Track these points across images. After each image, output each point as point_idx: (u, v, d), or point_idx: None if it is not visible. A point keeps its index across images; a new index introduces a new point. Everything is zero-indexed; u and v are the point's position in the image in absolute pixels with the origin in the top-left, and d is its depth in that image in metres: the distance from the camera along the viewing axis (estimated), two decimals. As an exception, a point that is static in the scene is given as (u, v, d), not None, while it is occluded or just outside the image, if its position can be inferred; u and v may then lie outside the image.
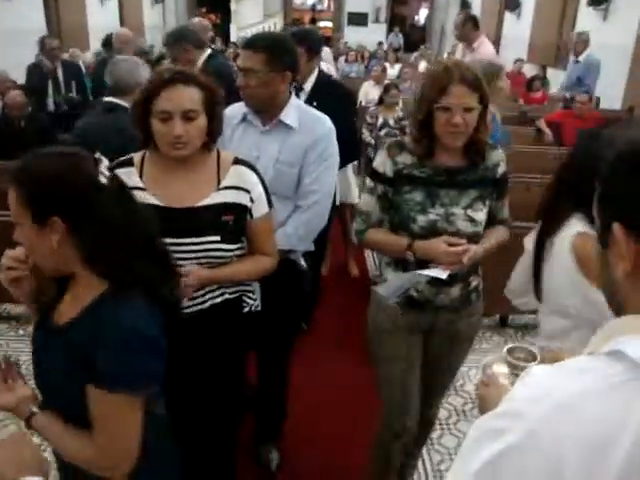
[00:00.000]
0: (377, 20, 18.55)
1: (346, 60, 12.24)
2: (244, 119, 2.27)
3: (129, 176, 1.72)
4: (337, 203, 3.89)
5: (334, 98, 3.14)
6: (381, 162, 1.94)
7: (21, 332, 3.66)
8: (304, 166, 2.23)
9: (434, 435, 2.81)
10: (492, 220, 2.02)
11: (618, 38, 8.17)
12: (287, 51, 2.20)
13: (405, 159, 1.90)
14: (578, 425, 0.68)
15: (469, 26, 5.04)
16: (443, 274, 1.81)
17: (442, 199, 1.90)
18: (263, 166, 2.15)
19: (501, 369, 1.22)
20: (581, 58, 6.61)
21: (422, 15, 20.97)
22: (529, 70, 10.38)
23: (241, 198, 1.82)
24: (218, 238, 1.78)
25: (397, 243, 1.93)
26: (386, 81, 6.86)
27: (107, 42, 6.30)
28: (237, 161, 1.85)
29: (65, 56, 7.71)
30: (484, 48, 5.01)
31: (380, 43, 15.15)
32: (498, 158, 1.96)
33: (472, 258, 1.83)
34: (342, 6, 18.65)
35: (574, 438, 0.68)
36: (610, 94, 8.03)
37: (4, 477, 1.02)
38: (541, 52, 11.17)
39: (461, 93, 1.76)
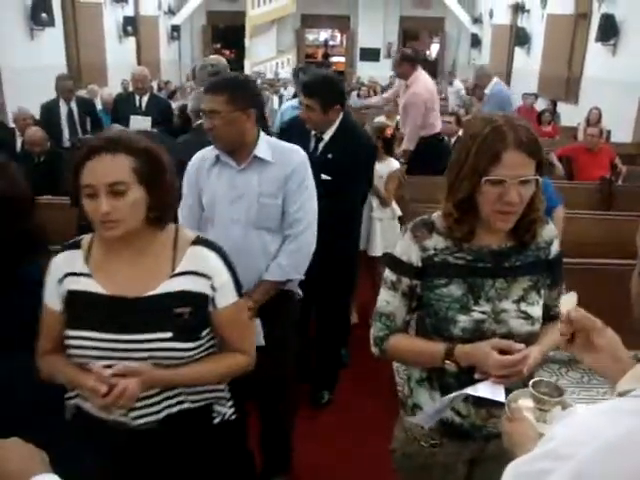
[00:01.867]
0: (389, 55, 18.79)
1: (358, 95, 12.41)
2: (217, 160, 2.28)
3: (73, 260, 1.55)
4: (362, 248, 3.90)
5: (351, 149, 2.98)
6: (405, 248, 1.52)
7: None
8: (286, 196, 2.26)
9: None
10: (545, 314, 1.57)
11: (627, 72, 8.25)
12: (248, 90, 2.24)
13: (437, 243, 1.50)
14: (626, 466, 0.68)
15: (405, 65, 5.19)
16: (499, 394, 1.37)
17: (488, 292, 1.49)
18: (247, 203, 2.24)
19: (526, 404, 1.21)
20: (487, 90, 6.68)
21: (433, 50, 21.27)
22: (539, 104, 10.46)
23: (200, 286, 1.54)
24: (169, 335, 1.48)
25: (431, 351, 1.50)
26: (398, 116, 6.93)
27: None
28: (198, 241, 1.58)
29: (83, 92, 7.92)
30: (417, 84, 5.15)
31: (392, 76, 15.35)
32: (551, 234, 1.57)
33: (532, 367, 1.43)
34: (354, 42, 18.99)
35: (622, 479, 0.68)
36: (620, 128, 8.08)
37: (26, 474, 1.02)
38: (551, 86, 11.26)
39: (517, 162, 1.37)
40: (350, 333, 3.68)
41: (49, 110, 6.40)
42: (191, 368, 1.53)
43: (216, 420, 1.68)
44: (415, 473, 1.67)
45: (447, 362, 1.47)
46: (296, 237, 2.30)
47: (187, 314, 1.51)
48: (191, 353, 1.52)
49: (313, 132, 3.00)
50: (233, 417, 1.73)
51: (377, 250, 4.06)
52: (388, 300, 1.57)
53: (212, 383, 1.63)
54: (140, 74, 6.02)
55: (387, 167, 3.99)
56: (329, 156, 2.94)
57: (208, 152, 2.32)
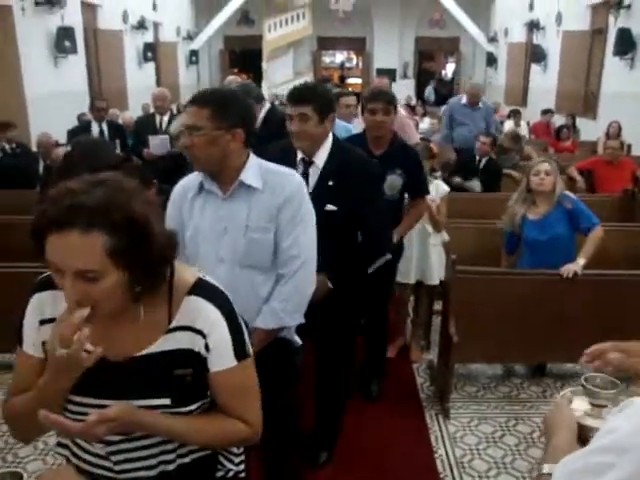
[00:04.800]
0: (405, 76, 18.97)
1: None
2: (201, 189, 2.00)
3: (56, 303, 1.30)
4: (418, 278, 3.76)
5: (358, 170, 2.51)
6: None
7: None
8: (278, 229, 1.96)
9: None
10: None
11: (646, 86, 8.20)
12: (235, 105, 1.92)
13: None
14: None
15: None
16: None
17: None
18: (233, 237, 1.94)
19: (580, 399, 1.19)
20: (480, 104, 6.70)
21: (449, 69, 21.36)
22: (558, 120, 10.43)
23: (195, 343, 1.31)
24: (168, 402, 1.28)
25: None
26: (419, 135, 6.98)
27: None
28: (195, 288, 1.33)
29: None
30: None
31: (409, 97, 15.44)
32: None
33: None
34: (370, 63, 19.16)
35: None
36: (641, 141, 8.01)
37: None
38: (569, 102, 11.22)
39: None
40: (385, 367, 3.61)
41: (81, 129, 6.54)
42: (178, 420, 1.30)
43: (219, 474, 1.47)
44: None
45: None
46: (291, 277, 1.99)
47: (190, 375, 1.31)
48: (193, 413, 1.35)
49: (300, 156, 2.49)
50: (242, 475, 1.52)
51: (435, 278, 3.81)
52: None
53: (199, 444, 1.38)
54: (160, 94, 6.14)
55: (436, 189, 3.75)
56: (330, 183, 2.45)
57: (192, 179, 2.04)
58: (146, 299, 1.28)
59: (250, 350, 1.40)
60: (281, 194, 1.95)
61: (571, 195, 3.59)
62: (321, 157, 2.48)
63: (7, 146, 6.12)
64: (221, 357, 1.33)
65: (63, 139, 6.68)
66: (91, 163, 2.56)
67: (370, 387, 3.48)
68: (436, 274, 3.79)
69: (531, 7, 13.66)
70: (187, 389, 1.30)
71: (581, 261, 3.30)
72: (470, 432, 3.16)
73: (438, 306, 4.11)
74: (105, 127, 6.63)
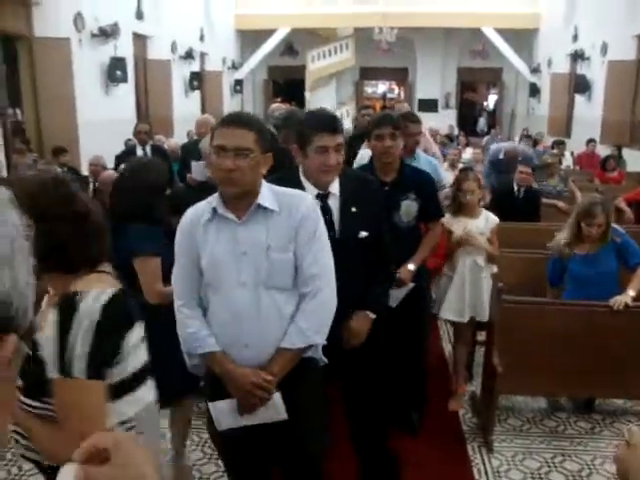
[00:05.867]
0: (447, 106, 18.98)
1: (416, 144, 12.52)
2: (215, 215, 1.96)
3: None
4: (471, 314, 3.59)
5: (373, 200, 2.46)
6: None
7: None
8: (297, 249, 1.95)
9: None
10: None
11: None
12: (268, 131, 2.00)
13: None
14: None
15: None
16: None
17: None
18: (254, 260, 1.92)
19: None
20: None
21: (491, 100, 21.30)
22: (603, 150, 10.25)
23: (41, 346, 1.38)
24: (21, 384, 1.37)
25: None
26: (460, 164, 6.99)
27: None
28: (62, 300, 1.38)
29: (150, 142, 8.30)
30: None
31: (451, 126, 15.48)
32: None
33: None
34: (413, 93, 19.25)
35: None
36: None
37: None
38: (614, 132, 11.04)
39: None
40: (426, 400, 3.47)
41: (126, 154, 6.75)
42: (33, 421, 1.38)
43: None
44: None
45: None
46: (314, 295, 1.97)
47: (31, 363, 1.29)
48: (36, 412, 1.39)
49: (314, 192, 2.31)
50: None
51: (486, 315, 3.58)
52: None
53: (39, 449, 1.42)
54: (203, 120, 6.29)
55: (486, 220, 3.65)
56: (353, 210, 2.36)
57: (203, 206, 2.00)
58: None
59: (81, 372, 1.33)
60: (297, 214, 1.95)
61: (619, 228, 3.51)
62: (335, 186, 2.36)
63: (59, 170, 6.35)
64: (49, 366, 1.34)
65: (111, 164, 6.89)
66: (139, 181, 2.66)
67: (410, 419, 3.35)
68: (487, 310, 3.58)
69: (575, 38, 13.57)
70: (30, 381, 1.33)
71: (631, 292, 3.22)
72: (515, 467, 3.07)
73: (480, 337, 4.05)
74: (149, 151, 6.80)
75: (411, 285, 2.99)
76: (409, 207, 3.03)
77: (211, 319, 1.99)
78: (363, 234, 2.37)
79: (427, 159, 4.02)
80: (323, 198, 2.34)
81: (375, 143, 3.00)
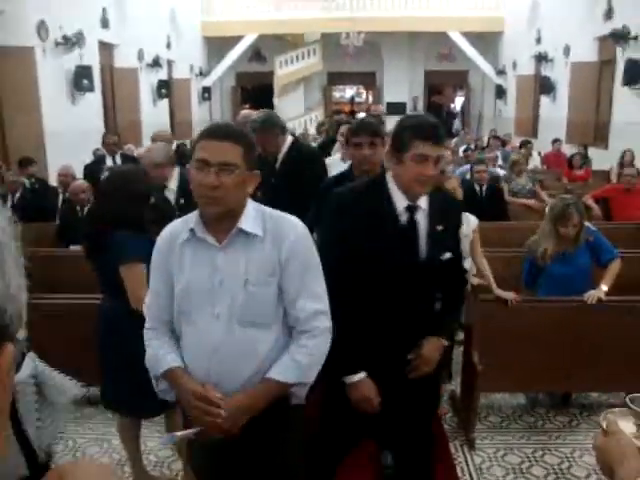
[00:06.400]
0: (415, 109, 19.16)
1: (386, 147, 12.61)
2: (193, 236, 1.76)
3: None
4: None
5: (456, 218, 2.31)
6: None
7: (78, 414, 3.68)
8: (287, 282, 1.74)
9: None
10: None
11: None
12: (255, 146, 1.80)
13: None
14: None
15: None
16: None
17: None
18: (230, 291, 1.71)
19: (624, 420, 1.16)
20: None
21: (458, 102, 21.59)
22: (569, 150, 10.47)
23: None
24: None
25: None
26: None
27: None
28: None
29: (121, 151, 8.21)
30: None
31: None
32: None
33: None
34: (381, 97, 19.39)
35: None
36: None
37: None
38: (580, 132, 11.28)
39: None
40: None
41: (95, 164, 6.68)
42: None
43: None
44: None
45: None
46: (317, 335, 1.76)
47: None
48: None
49: (404, 204, 2.11)
50: None
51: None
52: None
53: None
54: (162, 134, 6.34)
55: (467, 223, 3.39)
56: (439, 228, 2.17)
57: (179, 225, 1.82)
58: None
59: None
60: (284, 242, 1.73)
61: (591, 226, 3.57)
62: (424, 200, 2.13)
63: (27, 182, 6.23)
64: None
65: (80, 174, 6.78)
66: (128, 188, 2.63)
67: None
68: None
69: (538, 40, 13.85)
70: None
71: (604, 287, 3.28)
72: (497, 463, 3.10)
73: (457, 337, 4.08)
74: (119, 160, 6.74)
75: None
76: None
77: (184, 352, 1.80)
78: (447, 256, 2.15)
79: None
80: (412, 211, 2.11)
81: (353, 151, 2.90)
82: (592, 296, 3.23)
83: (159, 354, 1.80)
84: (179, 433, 1.83)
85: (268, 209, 1.81)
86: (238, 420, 1.70)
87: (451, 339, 2.28)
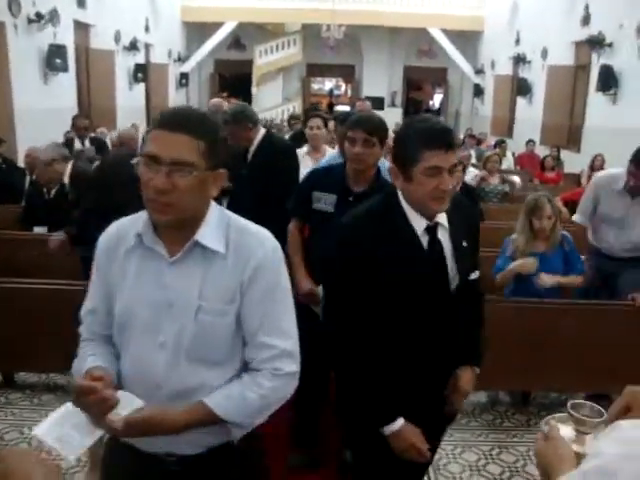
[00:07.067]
0: (393, 104, 19.22)
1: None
2: (140, 243, 1.41)
3: None
4: None
5: (476, 230, 2.01)
6: None
7: (35, 401, 3.63)
8: (248, 309, 1.40)
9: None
10: None
11: (628, 120, 8.37)
12: (223, 138, 1.44)
13: None
14: None
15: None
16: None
17: None
18: (179, 318, 1.37)
19: (565, 428, 1.17)
20: None
21: (436, 99, 21.71)
22: (543, 151, 10.61)
23: None
24: None
25: None
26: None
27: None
28: None
29: (93, 135, 8.08)
30: None
31: (397, 124, 15.65)
32: None
33: None
34: (359, 91, 19.40)
35: None
36: (624, 174, 8.14)
37: None
38: (554, 134, 11.43)
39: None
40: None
41: (65, 146, 6.56)
42: None
43: None
44: None
45: None
46: (278, 376, 1.41)
47: None
48: None
49: (423, 224, 1.80)
50: None
51: None
52: None
53: None
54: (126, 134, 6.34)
55: None
56: (464, 244, 1.91)
57: (126, 226, 1.47)
58: None
59: None
60: (250, 261, 1.39)
61: (569, 236, 3.61)
62: (442, 215, 1.82)
63: (-6, 161, 6.09)
64: None
65: (50, 156, 6.65)
66: (119, 174, 2.56)
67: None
68: None
69: (517, 42, 13.98)
70: None
71: (558, 279, 3.35)
72: (454, 460, 3.14)
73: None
74: (87, 143, 6.67)
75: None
76: None
77: (123, 383, 1.43)
78: (475, 275, 1.93)
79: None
80: (433, 232, 1.80)
81: (347, 146, 2.62)
82: (543, 279, 3.32)
83: (84, 358, 1.45)
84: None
85: (234, 217, 1.46)
86: (140, 431, 1.34)
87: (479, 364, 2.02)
